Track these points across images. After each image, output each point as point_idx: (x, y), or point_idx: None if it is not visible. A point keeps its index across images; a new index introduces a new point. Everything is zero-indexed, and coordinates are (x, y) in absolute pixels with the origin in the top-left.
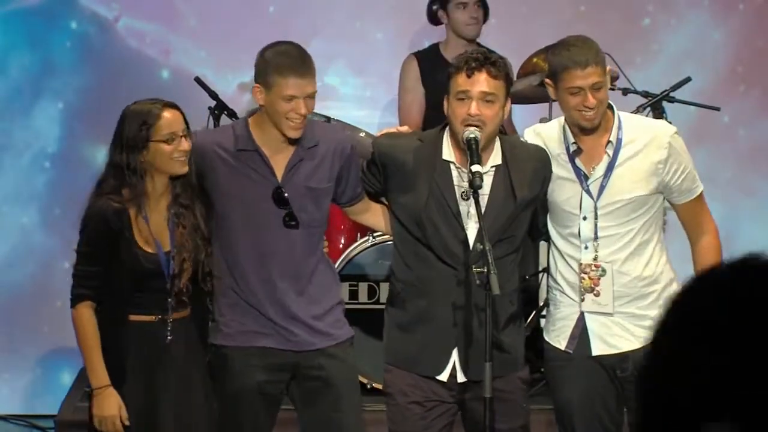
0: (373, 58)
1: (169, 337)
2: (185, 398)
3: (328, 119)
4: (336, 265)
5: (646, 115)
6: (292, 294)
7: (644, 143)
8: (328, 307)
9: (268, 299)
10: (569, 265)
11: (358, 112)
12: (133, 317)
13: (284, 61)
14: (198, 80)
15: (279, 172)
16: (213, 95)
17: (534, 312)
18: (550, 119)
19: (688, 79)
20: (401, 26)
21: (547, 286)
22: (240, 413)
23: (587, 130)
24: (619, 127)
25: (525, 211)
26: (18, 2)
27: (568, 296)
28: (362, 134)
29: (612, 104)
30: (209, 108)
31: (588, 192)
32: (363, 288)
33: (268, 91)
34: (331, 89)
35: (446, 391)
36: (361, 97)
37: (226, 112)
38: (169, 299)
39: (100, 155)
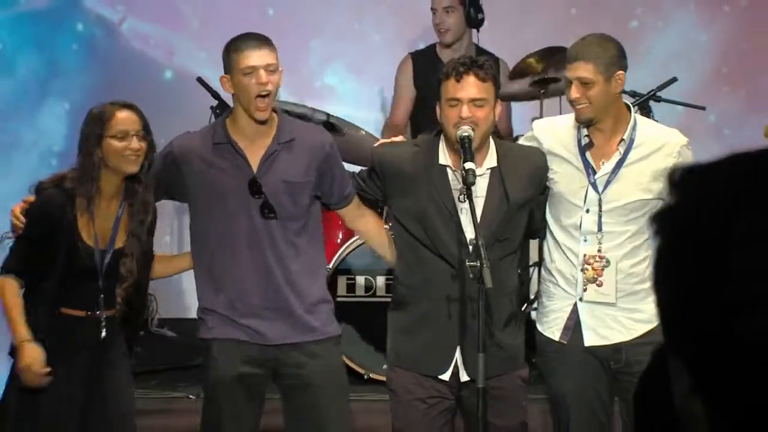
0: (371, 59)
1: (102, 334)
2: (112, 393)
3: (328, 116)
4: (333, 260)
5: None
6: (275, 285)
7: (655, 148)
8: (311, 302)
9: (248, 292)
10: (567, 257)
11: (356, 112)
12: (65, 310)
13: (239, 40)
14: (200, 80)
15: (254, 164)
16: (214, 95)
17: (525, 304)
18: (542, 117)
19: (674, 80)
20: (399, 28)
21: (540, 278)
22: (221, 403)
23: (585, 123)
24: (634, 128)
25: (520, 213)
26: (25, 5)
27: (562, 288)
28: (362, 132)
29: (630, 106)
30: (211, 107)
31: (594, 186)
32: (360, 281)
33: (231, 75)
34: (330, 89)
35: (448, 388)
36: (359, 96)
37: (216, 114)
38: (102, 296)
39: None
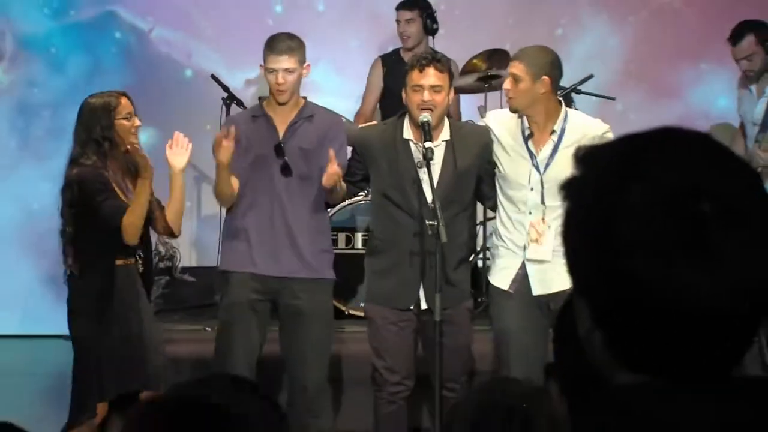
0: (349, 60)
1: (139, 281)
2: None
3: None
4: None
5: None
6: (287, 230)
7: (582, 135)
8: (315, 249)
9: (266, 231)
10: (515, 227)
11: (337, 102)
12: (118, 261)
13: (270, 42)
14: (214, 77)
15: (281, 132)
16: (225, 89)
17: (473, 255)
18: (485, 107)
19: (590, 76)
20: (371, 35)
21: (492, 243)
22: (234, 323)
23: (512, 112)
24: (565, 120)
25: (468, 178)
26: (74, 17)
27: (511, 250)
28: (343, 119)
29: (562, 101)
30: (222, 98)
31: (536, 167)
32: (341, 237)
33: (264, 67)
34: (316, 84)
35: (412, 315)
36: (340, 90)
37: (235, 102)
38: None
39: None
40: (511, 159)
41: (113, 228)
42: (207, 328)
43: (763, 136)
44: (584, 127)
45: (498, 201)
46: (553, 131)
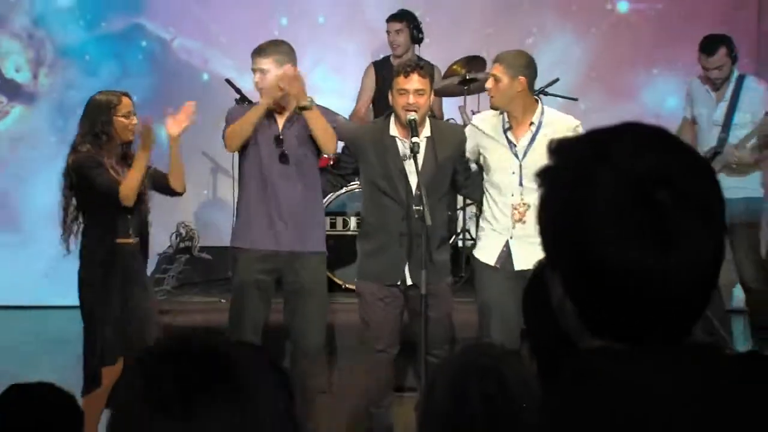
0: (346, 65)
1: (135, 256)
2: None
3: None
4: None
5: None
6: (287, 209)
7: (557, 128)
8: (310, 224)
9: (269, 210)
10: (500, 208)
11: (336, 102)
12: (118, 240)
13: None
14: (228, 81)
15: (280, 125)
16: (238, 91)
17: (453, 236)
18: (465, 107)
19: (557, 80)
20: (366, 44)
21: (480, 225)
22: (244, 298)
23: (493, 108)
24: (542, 114)
25: (446, 169)
26: (106, 28)
27: (497, 231)
28: (339, 117)
29: (538, 99)
30: (235, 99)
31: (516, 155)
32: (339, 220)
33: None
34: (317, 86)
35: (399, 291)
36: (337, 92)
37: (246, 102)
38: (132, 221)
39: (162, 132)
40: (494, 149)
41: (112, 202)
42: (222, 300)
43: (726, 136)
44: (559, 120)
45: (484, 188)
46: (531, 123)
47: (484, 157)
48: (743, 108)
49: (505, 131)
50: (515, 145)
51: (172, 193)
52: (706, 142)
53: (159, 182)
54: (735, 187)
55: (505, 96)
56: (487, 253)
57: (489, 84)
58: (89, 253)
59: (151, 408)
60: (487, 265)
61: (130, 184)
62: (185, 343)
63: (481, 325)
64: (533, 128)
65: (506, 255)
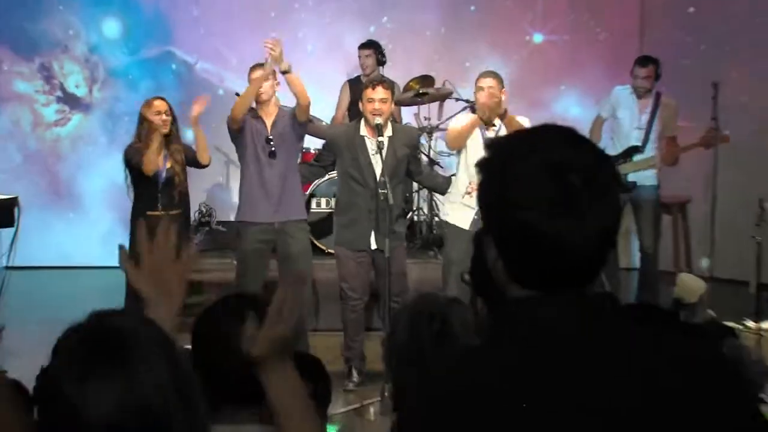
0: (328, 82)
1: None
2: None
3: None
4: (309, 190)
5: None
6: (275, 192)
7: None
8: (294, 201)
9: (263, 193)
10: (474, 187)
11: (320, 111)
12: (150, 213)
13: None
14: (237, 94)
15: (268, 126)
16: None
17: (409, 212)
18: (418, 114)
19: None
20: (342, 65)
21: (457, 200)
22: (247, 261)
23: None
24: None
25: (403, 161)
26: (144, 54)
27: (468, 206)
28: (323, 122)
29: (506, 109)
30: None
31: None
32: (323, 201)
33: None
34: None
35: (367, 253)
36: (321, 103)
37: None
38: (162, 197)
39: (189, 133)
40: (475, 147)
41: (143, 179)
42: (233, 262)
43: (647, 138)
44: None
45: (461, 171)
46: (494, 124)
47: (466, 150)
48: (660, 117)
49: (483, 131)
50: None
51: (200, 165)
52: (626, 140)
53: (189, 157)
54: (647, 177)
55: (500, 105)
56: (461, 219)
57: (484, 97)
58: (131, 223)
59: (63, 371)
60: (459, 228)
61: (147, 156)
62: (95, 322)
63: (444, 277)
64: (495, 127)
65: (477, 222)
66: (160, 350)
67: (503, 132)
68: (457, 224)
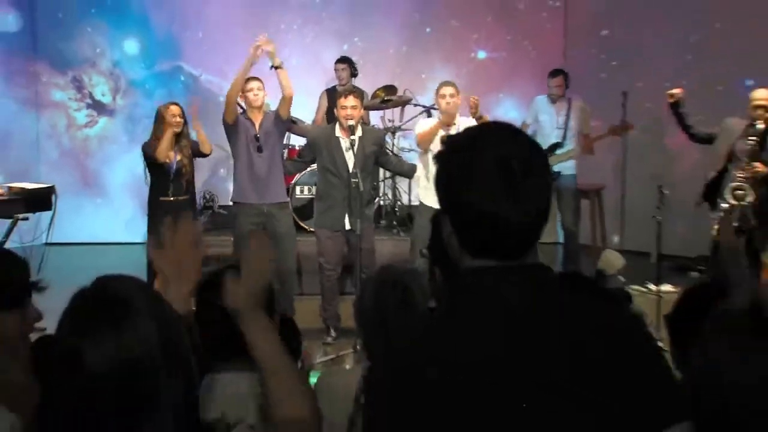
0: (310, 91)
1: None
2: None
3: (293, 118)
4: (294, 180)
5: (428, 116)
6: (262, 179)
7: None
8: (278, 187)
9: (253, 180)
10: None
11: (304, 116)
12: (162, 199)
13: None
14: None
15: (257, 127)
16: (242, 108)
17: (376, 198)
18: (384, 117)
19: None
20: (321, 77)
21: (421, 186)
22: (242, 238)
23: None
24: (459, 117)
25: (371, 157)
26: (158, 68)
27: None
28: (306, 123)
29: (458, 112)
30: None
31: None
32: (305, 189)
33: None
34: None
35: (341, 232)
36: (305, 109)
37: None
38: (173, 185)
39: (193, 134)
40: (436, 144)
41: (157, 169)
42: (232, 238)
43: (565, 136)
44: (469, 122)
45: (431, 163)
46: (454, 124)
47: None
48: (574, 117)
49: (444, 128)
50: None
51: (204, 155)
52: (548, 139)
53: (195, 149)
54: (567, 167)
55: (457, 108)
56: (434, 200)
57: (445, 105)
58: (148, 207)
59: (67, 326)
60: (432, 208)
61: (160, 147)
62: (97, 286)
63: (412, 251)
64: (455, 128)
65: None
66: (151, 314)
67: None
68: (432, 206)
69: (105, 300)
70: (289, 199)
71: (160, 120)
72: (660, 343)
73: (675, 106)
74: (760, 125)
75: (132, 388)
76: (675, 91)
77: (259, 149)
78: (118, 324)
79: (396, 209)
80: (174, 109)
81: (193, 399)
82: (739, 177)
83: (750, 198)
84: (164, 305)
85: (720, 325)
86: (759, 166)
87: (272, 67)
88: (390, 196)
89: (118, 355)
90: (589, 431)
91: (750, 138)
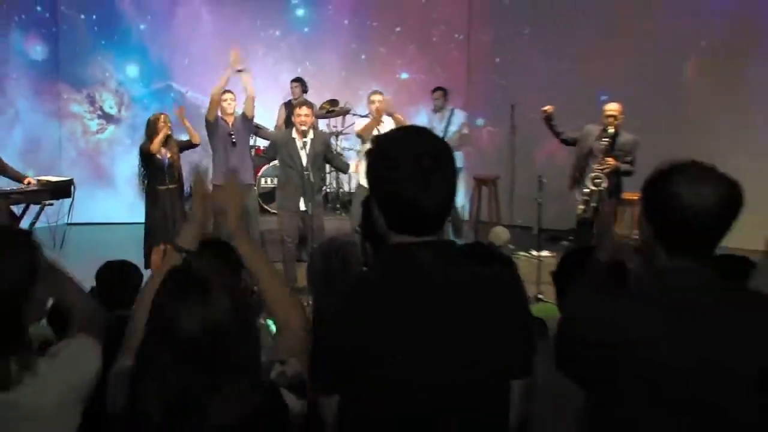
0: (273, 105)
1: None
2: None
3: (257, 125)
4: (261, 172)
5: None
6: (235, 165)
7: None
8: (247, 173)
9: (227, 167)
10: None
11: (270, 123)
12: (159, 187)
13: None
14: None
15: (230, 126)
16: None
17: (326, 186)
18: (329, 124)
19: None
20: (279, 93)
21: (339, 180)
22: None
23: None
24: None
25: (320, 154)
26: (153, 86)
27: None
28: (269, 129)
29: (393, 112)
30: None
31: None
32: (269, 180)
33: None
34: (260, 115)
35: (297, 213)
36: (269, 118)
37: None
38: (167, 176)
39: (182, 135)
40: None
41: (152, 163)
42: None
43: (445, 134)
44: (391, 119)
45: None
46: (382, 122)
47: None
48: (454, 123)
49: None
50: None
51: (194, 145)
52: None
53: (182, 145)
54: (457, 159)
55: (384, 110)
56: None
57: (375, 108)
58: (146, 194)
59: (166, 297)
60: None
61: (155, 141)
62: (187, 267)
63: (353, 227)
64: (383, 124)
65: None
66: (227, 289)
67: (391, 127)
68: (367, 186)
69: (193, 277)
70: (254, 182)
71: (152, 126)
72: (540, 296)
73: (548, 119)
74: (611, 130)
75: (214, 349)
76: (547, 108)
77: (233, 143)
78: (205, 296)
79: (339, 195)
80: (164, 117)
81: (259, 358)
82: (597, 169)
83: (605, 185)
84: (236, 283)
85: (587, 277)
86: (611, 161)
87: (238, 70)
88: (335, 185)
89: (206, 320)
90: (470, 358)
91: (603, 139)
